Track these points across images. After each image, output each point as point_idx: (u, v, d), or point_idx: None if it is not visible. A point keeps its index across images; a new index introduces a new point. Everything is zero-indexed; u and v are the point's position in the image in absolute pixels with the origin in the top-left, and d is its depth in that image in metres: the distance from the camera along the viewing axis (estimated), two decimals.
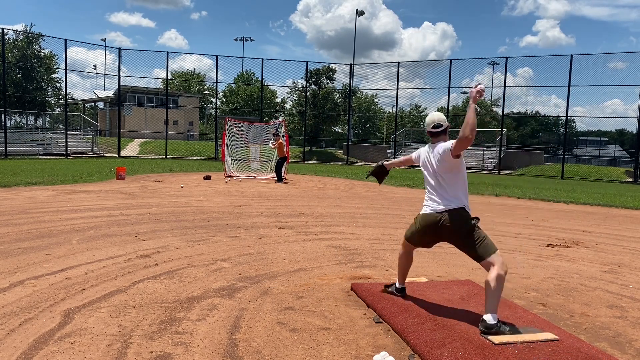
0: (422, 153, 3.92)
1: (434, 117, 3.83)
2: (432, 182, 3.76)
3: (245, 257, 5.56)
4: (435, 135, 3.79)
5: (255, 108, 44.20)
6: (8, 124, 29.58)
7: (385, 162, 4.49)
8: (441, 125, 3.78)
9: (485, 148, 33.53)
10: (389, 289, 4.22)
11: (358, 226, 8.05)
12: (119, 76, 32.37)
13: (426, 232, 3.78)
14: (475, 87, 3.57)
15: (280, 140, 16.23)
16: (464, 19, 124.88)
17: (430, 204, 3.73)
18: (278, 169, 15.99)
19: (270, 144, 16.82)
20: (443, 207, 3.63)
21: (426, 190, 3.83)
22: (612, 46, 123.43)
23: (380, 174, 4.52)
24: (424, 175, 3.88)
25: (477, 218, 3.60)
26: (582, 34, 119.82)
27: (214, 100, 52.99)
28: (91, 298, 3.97)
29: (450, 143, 3.59)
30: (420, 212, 3.83)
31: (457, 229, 3.59)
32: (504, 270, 3.42)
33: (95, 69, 70.12)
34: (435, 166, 3.71)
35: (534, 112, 58.66)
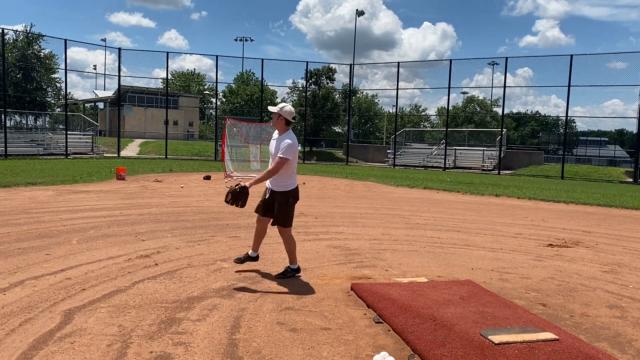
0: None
1: (293, 109, 4.76)
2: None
3: None
4: (289, 124, 4.71)
5: (255, 108, 44.19)
6: (8, 124, 29.59)
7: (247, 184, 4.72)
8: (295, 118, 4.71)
9: (485, 148, 33.54)
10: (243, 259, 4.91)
11: (358, 226, 8.05)
12: (119, 76, 32.41)
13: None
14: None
15: None
16: (464, 19, 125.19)
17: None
18: None
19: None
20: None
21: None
22: (612, 46, 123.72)
23: (241, 195, 4.57)
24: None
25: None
26: (582, 34, 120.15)
27: (214, 100, 53.00)
28: (91, 298, 3.96)
29: (283, 150, 4.55)
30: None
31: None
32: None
33: (95, 69, 70.20)
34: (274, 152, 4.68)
35: (533, 112, 58.73)
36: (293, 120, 4.70)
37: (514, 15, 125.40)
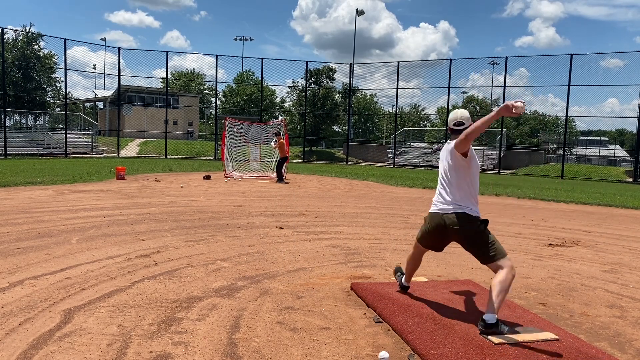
0: (443, 148, 3.85)
1: (457, 114, 3.74)
2: (441, 179, 3.74)
3: (245, 257, 5.55)
4: (456, 132, 3.66)
5: (255, 108, 44.18)
6: (8, 124, 29.57)
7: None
8: (463, 124, 3.66)
9: (485, 148, 33.54)
10: (397, 277, 4.29)
11: (358, 226, 8.04)
12: (119, 75, 32.40)
13: (433, 234, 3.74)
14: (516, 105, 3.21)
15: (282, 140, 16.26)
16: (462, 19, 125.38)
17: (436, 203, 3.70)
18: (279, 169, 16.00)
19: (272, 144, 16.84)
20: (449, 208, 3.58)
21: (437, 188, 3.80)
22: (609, 46, 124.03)
23: None
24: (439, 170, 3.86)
25: (486, 221, 3.53)
26: (579, 33, 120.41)
27: (213, 99, 53.00)
28: (91, 298, 3.96)
29: (455, 141, 3.60)
30: (429, 211, 3.78)
31: (463, 232, 3.54)
32: (511, 274, 3.37)
33: (95, 68, 70.18)
34: (446, 162, 3.69)
35: (532, 111, 58.73)
36: (457, 127, 3.70)
37: (512, 16, 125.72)
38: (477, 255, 3.55)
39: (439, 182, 3.77)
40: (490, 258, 3.45)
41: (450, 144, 3.68)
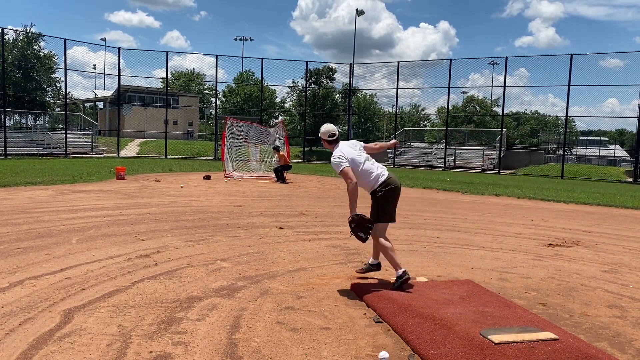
0: (352, 153, 4.59)
1: (329, 127, 4.60)
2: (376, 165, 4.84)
3: (245, 257, 5.56)
4: (331, 143, 4.56)
5: (255, 108, 44.19)
6: (7, 124, 29.56)
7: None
8: (335, 135, 4.56)
9: (485, 148, 33.53)
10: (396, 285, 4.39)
11: None
12: (119, 76, 32.39)
13: (396, 201, 4.97)
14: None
15: (282, 153, 16.29)
16: (462, 19, 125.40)
17: (390, 179, 5.02)
18: (277, 170, 15.99)
19: (273, 161, 16.84)
20: (395, 179, 5.04)
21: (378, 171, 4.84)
22: (609, 46, 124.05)
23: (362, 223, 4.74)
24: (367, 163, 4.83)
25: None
26: (579, 33, 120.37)
27: (213, 99, 52.99)
28: (91, 298, 3.96)
29: (335, 168, 4.50)
30: (392, 186, 4.87)
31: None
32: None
33: (95, 68, 70.15)
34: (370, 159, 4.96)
35: (532, 111, 58.75)
36: (331, 138, 4.57)
37: (512, 16, 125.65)
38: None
39: (375, 167, 4.86)
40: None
41: (360, 148, 4.75)
